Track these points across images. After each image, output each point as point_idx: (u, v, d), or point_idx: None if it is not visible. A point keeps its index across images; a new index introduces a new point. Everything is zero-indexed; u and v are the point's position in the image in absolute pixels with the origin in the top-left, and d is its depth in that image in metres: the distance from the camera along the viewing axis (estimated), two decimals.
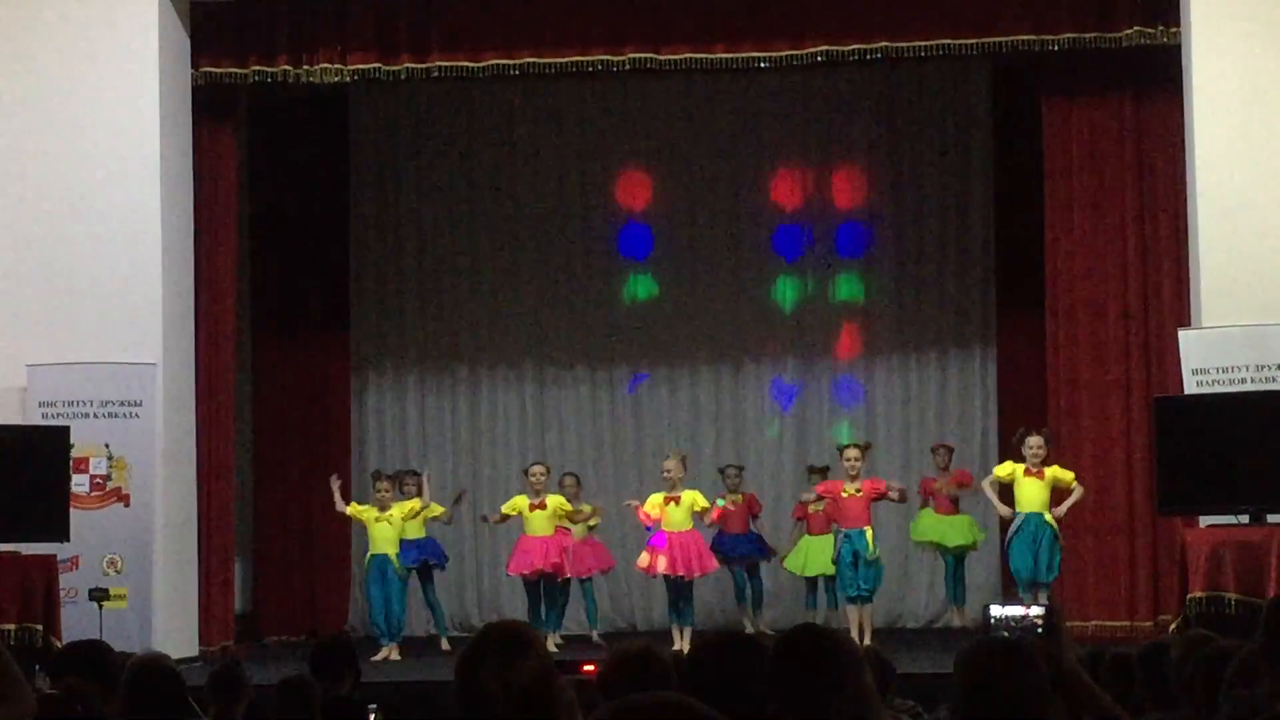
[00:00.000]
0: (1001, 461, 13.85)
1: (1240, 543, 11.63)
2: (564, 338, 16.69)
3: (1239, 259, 12.94)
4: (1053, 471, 13.12)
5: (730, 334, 16.56)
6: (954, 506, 14.45)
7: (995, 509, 13.50)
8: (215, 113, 14.29)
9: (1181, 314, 13.47)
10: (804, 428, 16.39)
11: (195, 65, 14.03)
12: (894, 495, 13.82)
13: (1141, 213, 13.94)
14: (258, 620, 15.86)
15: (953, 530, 14.45)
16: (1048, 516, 13.09)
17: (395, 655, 13.77)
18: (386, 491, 14.03)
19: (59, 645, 11.27)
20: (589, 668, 8.99)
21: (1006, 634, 4.78)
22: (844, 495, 13.63)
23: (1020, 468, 13.17)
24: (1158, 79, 13.76)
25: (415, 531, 14.23)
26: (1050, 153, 14.16)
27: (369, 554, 14.00)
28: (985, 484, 13.62)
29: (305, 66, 13.99)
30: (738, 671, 4.18)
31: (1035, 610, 4.86)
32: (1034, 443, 13.21)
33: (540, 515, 13.87)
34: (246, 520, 15.85)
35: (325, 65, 13.95)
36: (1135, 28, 13.46)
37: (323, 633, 14.93)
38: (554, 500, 13.94)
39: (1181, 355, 12.94)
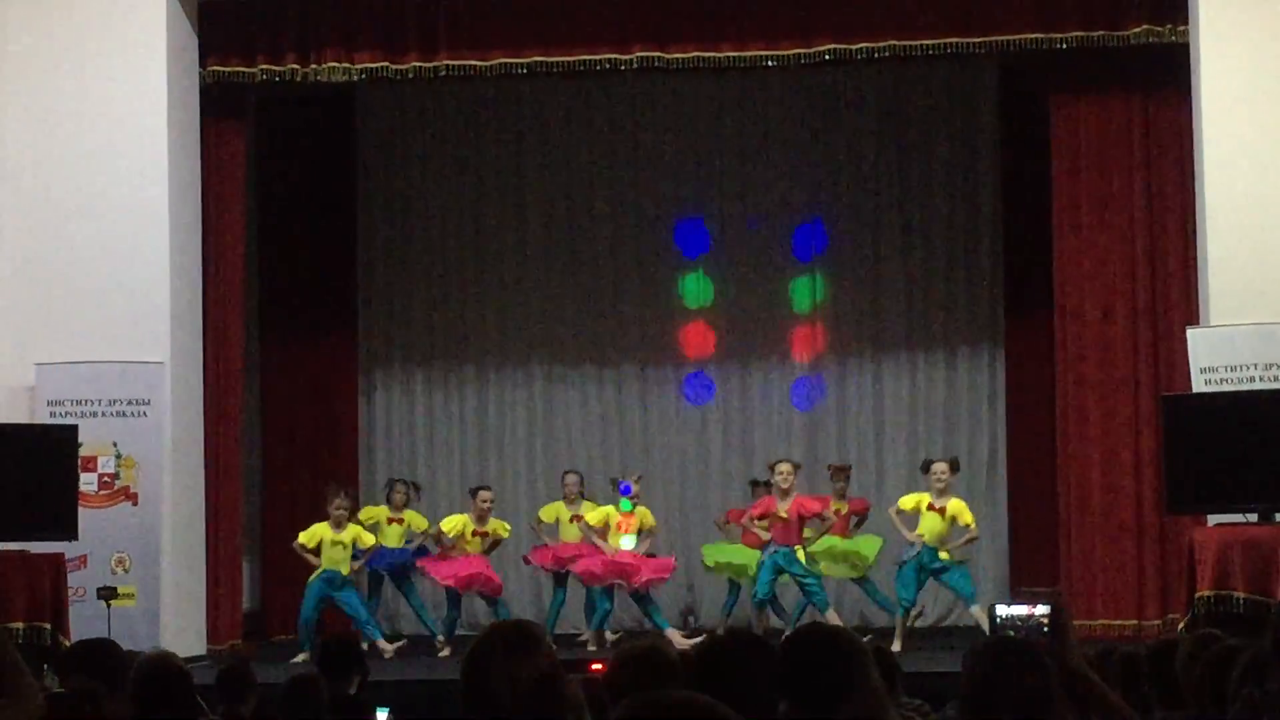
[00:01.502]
0: (1010, 460, 13.88)
1: (1248, 541, 11.61)
2: (572, 337, 16.68)
3: (1247, 257, 12.93)
4: (954, 508, 13.40)
5: (739, 334, 16.55)
6: (847, 529, 14.38)
7: (904, 536, 13.64)
8: (223, 112, 14.29)
9: (1190, 312, 13.47)
10: (812, 430, 16.36)
11: (203, 64, 14.06)
12: (828, 518, 13.89)
13: (1150, 211, 13.93)
14: (265, 619, 15.86)
15: (858, 549, 14.34)
16: (943, 554, 13.38)
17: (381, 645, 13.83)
18: (344, 510, 14.01)
19: (67, 644, 11.28)
20: (597, 667, 9.00)
21: (1012, 633, 4.78)
22: (774, 516, 13.64)
23: (925, 500, 13.47)
24: (1166, 77, 13.75)
25: (395, 540, 14.29)
26: (1058, 151, 14.15)
27: (319, 569, 13.93)
28: (891, 513, 13.84)
29: (313, 65, 14.01)
30: (746, 671, 4.18)
31: (1041, 609, 4.86)
32: (938, 469, 13.61)
33: (478, 542, 14.01)
34: (254, 519, 15.86)
35: (333, 64, 13.97)
36: (1144, 26, 13.46)
37: (328, 632, 14.94)
38: (494, 525, 14.10)
39: (1190, 354, 12.93)
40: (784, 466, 13.81)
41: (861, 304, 16.48)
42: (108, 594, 12.43)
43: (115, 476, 13.26)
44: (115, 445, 13.27)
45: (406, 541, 14.45)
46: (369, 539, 14.06)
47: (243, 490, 14.76)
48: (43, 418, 13.12)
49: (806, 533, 13.80)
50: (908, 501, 13.65)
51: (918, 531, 13.41)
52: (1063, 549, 13.87)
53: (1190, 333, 13.05)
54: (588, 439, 16.61)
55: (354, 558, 13.99)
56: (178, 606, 13.41)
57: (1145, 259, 13.91)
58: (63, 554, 12.25)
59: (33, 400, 13.30)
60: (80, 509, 12.49)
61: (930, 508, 13.41)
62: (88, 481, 13.00)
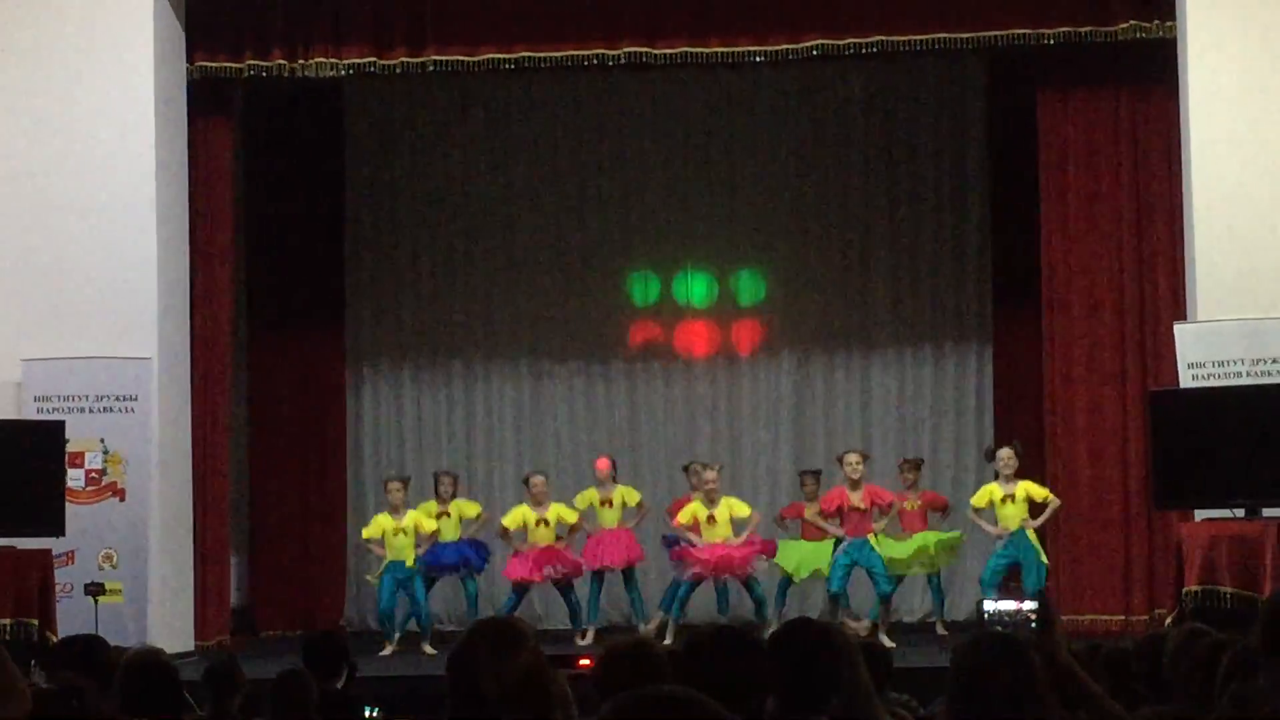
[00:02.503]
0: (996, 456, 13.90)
1: (1235, 537, 11.63)
2: (559, 333, 16.67)
3: (1234, 253, 12.95)
4: (1024, 489, 13.40)
5: (725, 329, 16.55)
6: (924, 522, 14.31)
7: (988, 532, 13.71)
8: (210, 107, 14.27)
9: (1177, 308, 13.49)
10: (800, 425, 16.36)
11: (190, 59, 14.03)
12: (896, 507, 13.92)
13: (1137, 207, 13.96)
14: (253, 615, 15.85)
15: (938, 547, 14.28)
16: (1029, 534, 13.39)
17: (429, 649, 13.83)
18: (399, 492, 14.08)
19: (54, 640, 11.26)
20: (585, 663, 9.01)
21: (1001, 628, 4.78)
22: (848, 508, 13.64)
23: (996, 490, 13.42)
24: (1154, 73, 13.76)
25: (451, 533, 14.24)
26: (1046, 147, 14.16)
27: (385, 560, 14.01)
28: (969, 515, 13.89)
29: (300, 61, 13.98)
30: (734, 667, 4.18)
31: (1029, 605, 4.86)
32: (1004, 455, 13.60)
33: (543, 531, 13.99)
34: (242, 515, 15.84)
35: (320, 59, 13.95)
36: (1131, 22, 13.48)
37: (317, 628, 14.92)
38: (556, 511, 14.07)
39: (1177, 349, 12.94)
40: (852, 457, 13.83)
41: (849, 299, 16.47)
42: (95, 590, 12.40)
43: (102, 472, 13.23)
44: (102, 441, 13.25)
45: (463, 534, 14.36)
46: (430, 524, 14.07)
47: (230, 486, 14.73)
48: (29, 413, 13.09)
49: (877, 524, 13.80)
50: (980, 498, 13.67)
51: (1001, 526, 13.45)
52: (1050, 543, 13.87)
53: (1178, 328, 13.06)
54: (575, 435, 16.59)
55: (416, 545, 14.01)
56: (165, 602, 13.39)
57: (1133, 254, 13.94)
58: (50, 550, 12.23)
59: (19, 396, 13.28)
60: (67, 505, 12.47)
61: (1004, 499, 13.45)
62: (75, 477, 12.98)
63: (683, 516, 13.94)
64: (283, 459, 16.24)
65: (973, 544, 14.74)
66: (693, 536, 13.87)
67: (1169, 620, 11.68)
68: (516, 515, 14.11)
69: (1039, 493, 13.47)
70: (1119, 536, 13.77)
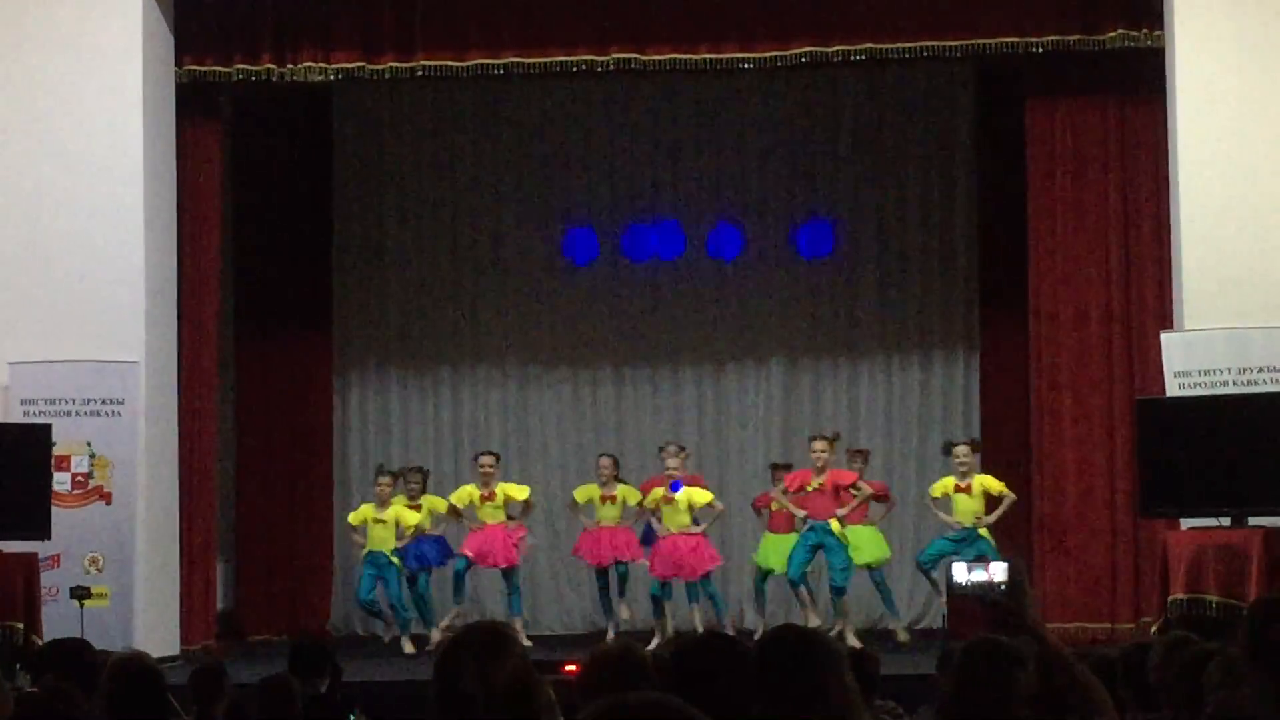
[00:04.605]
0: (984, 463, 13.95)
1: (1222, 545, 11.65)
2: (546, 337, 16.67)
3: (1221, 262, 12.97)
4: (980, 482, 13.55)
5: (713, 334, 16.56)
6: (862, 514, 14.28)
7: (944, 521, 13.84)
8: (199, 111, 14.26)
9: (1164, 317, 13.51)
10: (787, 432, 16.36)
11: (179, 63, 14.02)
12: (863, 489, 13.90)
13: (1125, 215, 13.97)
14: (239, 619, 15.81)
15: (866, 543, 14.25)
16: (982, 531, 13.49)
17: (409, 648, 13.83)
18: (387, 486, 14.22)
19: (40, 643, 11.24)
20: (570, 668, 8.99)
21: (970, 592, 4.74)
22: (809, 489, 13.68)
23: (951, 482, 13.66)
24: (1142, 82, 13.79)
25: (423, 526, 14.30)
26: (1034, 155, 14.18)
27: (365, 549, 14.14)
28: (929, 503, 14.05)
29: (289, 65, 13.98)
30: (720, 672, 4.17)
31: (999, 571, 4.82)
32: (960, 452, 13.81)
33: (490, 506, 14.04)
34: (228, 519, 15.81)
35: (309, 64, 13.94)
36: (1119, 30, 13.50)
37: (300, 632, 14.90)
38: (504, 489, 14.12)
39: (1164, 358, 12.96)
40: (818, 444, 13.88)
41: (836, 306, 16.49)
42: (81, 594, 12.38)
43: (89, 476, 13.21)
44: (89, 445, 13.23)
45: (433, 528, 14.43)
46: (411, 518, 14.16)
47: (217, 490, 14.71)
48: (16, 417, 13.06)
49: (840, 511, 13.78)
50: (937, 488, 13.85)
51: (955, 517, 13.61)
52: (1036, 551, 13.89)
53: (1164, 337, 13.08)
54: (562, 438, 16.60)
55: (398, 537, 14.13)
56: (151, 606, 13.37)
57: (1120, 263, 13.95)
58: (36, 553, 12.21)
59: (6, 399, 13.26)
60: (54, 508, 12.45)
61: (958, 489, 13.60)
62: (61, 481, 12.94)
63: (647, 500, 14.00)
64: (269, 463, 16.22)
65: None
66: (652, 521, 13.92)
67: (1155, 629, 11.68)
68: (463, 493, 14.20)
69: (995, 486, 13.60)
70: (1105, 544, 13.78)
